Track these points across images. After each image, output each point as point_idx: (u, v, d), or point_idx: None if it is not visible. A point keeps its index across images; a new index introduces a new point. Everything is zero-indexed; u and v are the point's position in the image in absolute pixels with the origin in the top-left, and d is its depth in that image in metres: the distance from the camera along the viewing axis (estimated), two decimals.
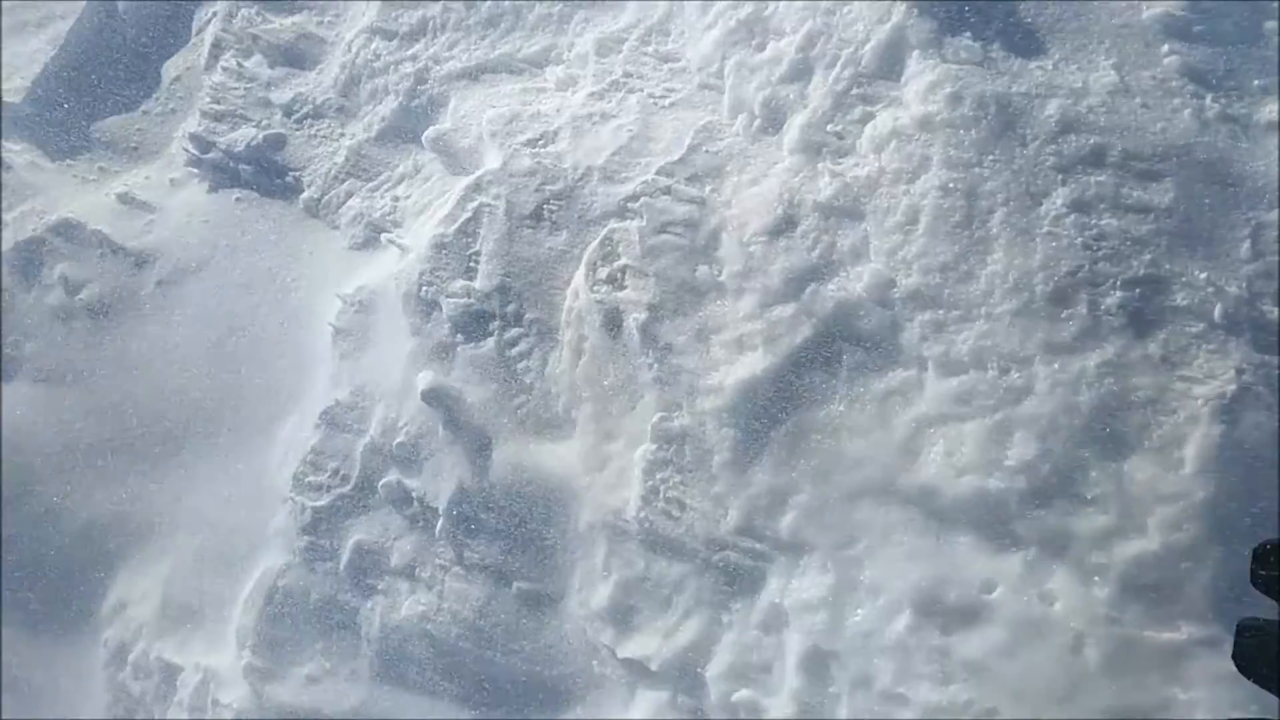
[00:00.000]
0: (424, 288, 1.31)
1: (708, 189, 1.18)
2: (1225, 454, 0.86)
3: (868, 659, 0.93)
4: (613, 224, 1.21)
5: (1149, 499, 0.87)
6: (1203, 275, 0.91)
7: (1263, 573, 0.59)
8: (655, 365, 1.12)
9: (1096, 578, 0.87)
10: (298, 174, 1.56)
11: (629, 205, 1.22)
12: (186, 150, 1.63)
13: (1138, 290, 0.93)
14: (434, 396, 1.25)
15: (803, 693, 0.94)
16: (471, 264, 1.30)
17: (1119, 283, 0.93)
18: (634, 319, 1.15)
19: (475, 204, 1.31)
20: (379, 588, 1.26)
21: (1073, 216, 0.95)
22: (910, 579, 0.94)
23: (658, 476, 1.08)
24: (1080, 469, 0.90)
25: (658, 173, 1.21)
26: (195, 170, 1.63)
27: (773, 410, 1.03)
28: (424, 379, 1.26)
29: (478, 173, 1.32)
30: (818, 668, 0.94)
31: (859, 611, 0.95)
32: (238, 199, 1.59)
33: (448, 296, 1.29)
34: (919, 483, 0.96)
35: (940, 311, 0.99)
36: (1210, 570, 0.83)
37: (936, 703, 0.88)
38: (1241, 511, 0.84)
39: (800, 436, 1.02)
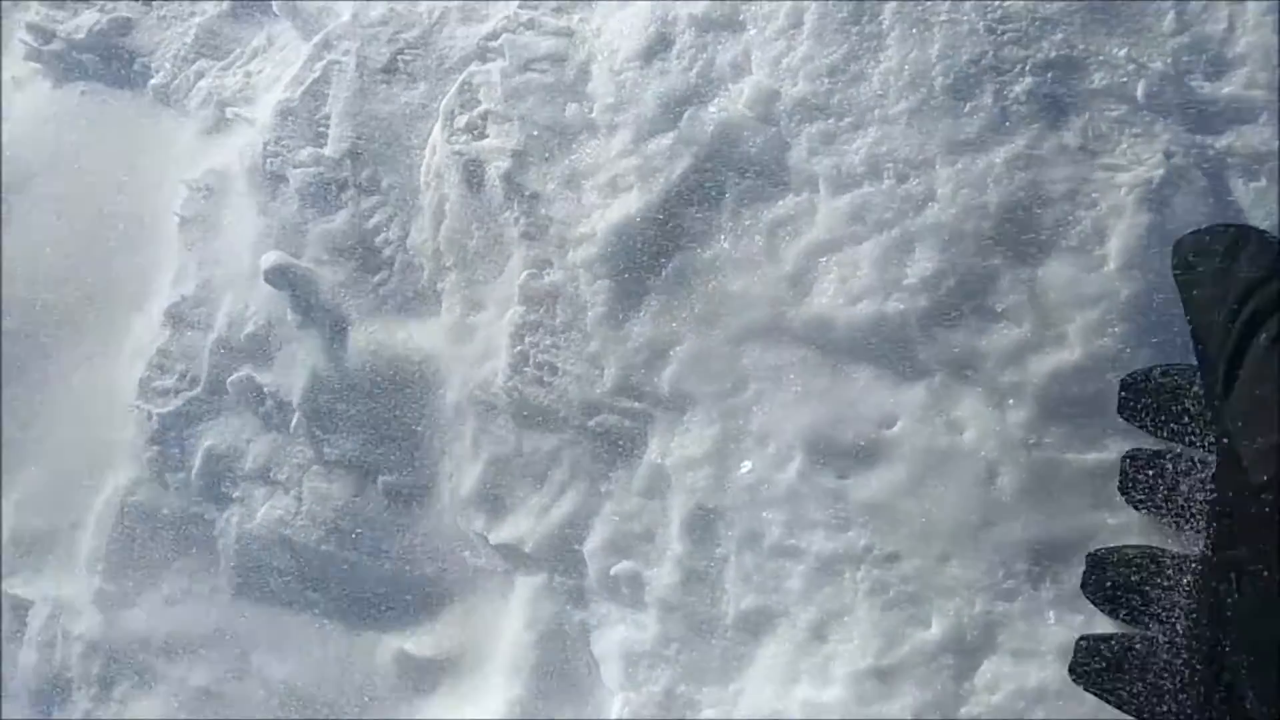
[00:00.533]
0: (269, 160, 1.16)
1: (575, 18, 1.04)
2: (1153, 245, 0.73)
3: (756, 513, 0.80)
4: (472, 67, 1.07)
5: (1068, 304, 0.75)
6: (1122, 52, 0.79)
7: (1131, 402, 0.62)
8: (522, 219, 0.99)
9: (1011, 399, 0.75)
10: (146, 60, 1.41)
11: (489, 45, 1.08)
12: (24, 43, 1.47)
13: (1049, 74, 0.80)
14: (279, 277, 1.10)
15: (686, 558, 0.82)
16: (321, 129, 1.16)
17: (1028, 67, 0.80)
18: (496, 169, 1.01)
19: (324, 63, 1.17)
20: (235, 495, 1.12)
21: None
22: (802, 422, 0.81)
23: (527, 341, 0.95)
24: (989, 279, 0.78)
25: (520, 5, 1.07)
26: (36, 65, 1.48)
27: (651, 255, 0.90)
28: (268, 259, 1.11)
29: (326, 29, 1.18)
30: (702, 529, 0.81)
31: (746, 463, 0.83)
32: (83, 92, 1.44)
33: (295, 167, 1.15)
34: (811, 316, 0.83)
35: (830, 121, 0.86)
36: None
37: (832, 551, 0.76)
38: (1173, 305, 0.72)
39: (681, 281, 0.89)
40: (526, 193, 0.96)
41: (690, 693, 0.76)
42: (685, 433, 0.82)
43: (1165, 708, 0.56)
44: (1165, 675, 0.56)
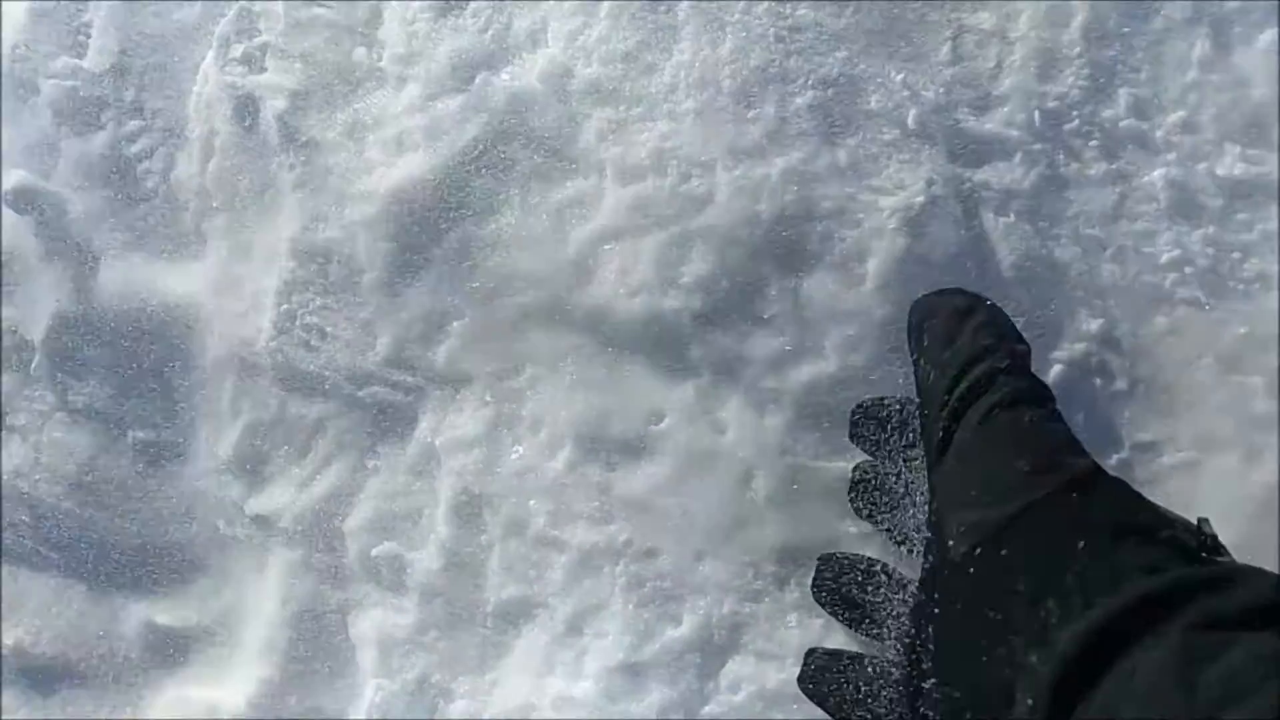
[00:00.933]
0: (18, 64, 1.03)
1: None
2: (909, 269, 0.78)
3: (523, 501, 0.81)
4: None
5: (827, 318, 0.79)
6: (899, 77, 0.82)
7: (860, 428, 0.65)
8: (298, 166, 0.92)
9: (771, 404, 0.79)
10: None
11: None
12: None
13: (830, 91, 0.82)
14: (23, 199, 0.99)
15: (451, 542, 0.82)
16: (81, 39, 1.03)
17: (810, 81, 0.82)
18: (272, 108, 0.94)
19: None
20: None
21: (766, 4, 0.83)
22: (575, 411, 0.82)
23: (295, 299, 0.90)
24: (759, 286, 0.80)
25: None
26: None
27: (434, 221, 0.87)
28: (11, 178, 0.99)
29: None
30: (469, 513, 0.81)
31: (518, 449, 0.83)
32: None
33: (48, 77, 1.02)
34: (591, 304, 0.83)
35: (621, 108, 0.85)
36: (887, 392, 0.76)
37: (593, 544, 0.78)
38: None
39: (464, 253, 0.86)
40: (304, 138, 0.90)
41: (445, 681, 0.76)
42: (458, 412, 0.81)
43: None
44: (882, 689, 0.62)
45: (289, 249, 0.86)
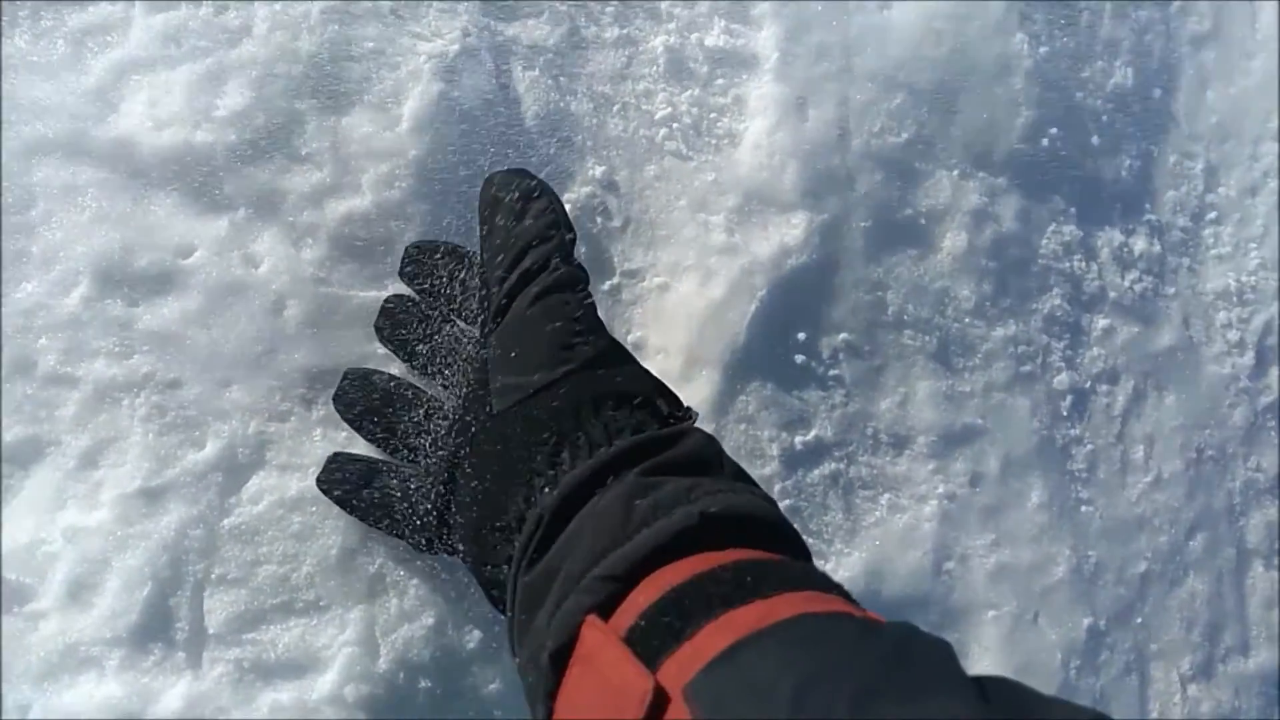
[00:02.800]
0: None
1: None
2: (442, 112, 0.82)
3: (31, 340, 0.76)
4: None
5: (364, 155, 0.81)
6: None
7: (410, 267, 0.71)
8: None
9: (308, 238, 0.80)
10: None
11: None
12: None
13: None
14: None
15: None
16: None
17: None
18: None
19: None
20: None
21: None
22: (93, 246, 0.77)
23: None
24: (297, 122, 0.81)
25: None
26: None
27: None
28: None
29: None
30: None
31: (26, 286, 0.77)
32: None
33: None
34: (114, 136, 0.79)
35: None
36: (417, 229, 0.81)
37: (111, 378, 0.75)
38: (450, 170, 0.82)
39: None
40: None
41: None
42: None
43: (397, 521, 0.66)
44: (398, 497, 0.66)
45: None
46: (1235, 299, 1.19)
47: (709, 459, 0.43)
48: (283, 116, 0.79)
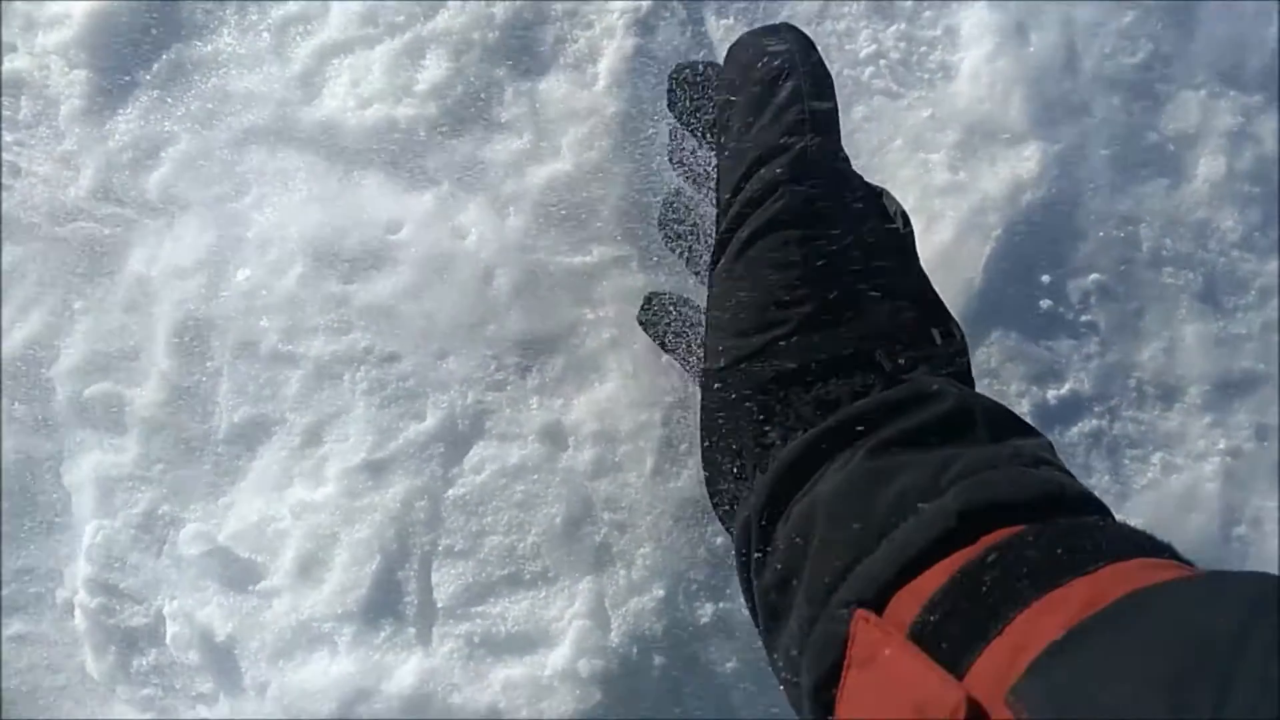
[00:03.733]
0: None
1: None
2: (637, 67, 0.79)
3: (252, 321, 0.76)
4: None
5: (562, 118, 0.78)
6: None
7: (675, 93, 0.58)
8: None
9: (510, 207, 0.77)
10: None
11: None
12: None
13: None
14: None
15: (174, 374, 0.75)
16: None
17: None
18: None
19: None
20: None
21: None
22: (307, 227, 0.77)
23: None
24: (495, 89, 0.79)
25: None
26: None
27: (141, 45, 0.80)
28: None
29: None
30: (194, 342, 0.75)
31: (243, 271, 0.77)
32: None
33: None
34: (320, 119, 0.79)
35: None
36: (619, 188, 0.77)
37: (333, 354, 0.74)
38: (649, 125, 0.78)
39: (177, 77, 0.80)
40: None
41: (174, 511, 0.70)
42: (176, 240, 0.75)
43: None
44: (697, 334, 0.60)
45: None
46: None
47: (955, 418, 0.35)
48: (481, 84, 0.77)
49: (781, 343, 0.40)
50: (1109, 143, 0.86)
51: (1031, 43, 0.85)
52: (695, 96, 0.57)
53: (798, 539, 0.33)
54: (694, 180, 0.63)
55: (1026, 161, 0.82)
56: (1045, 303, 0.81)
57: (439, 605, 0.66)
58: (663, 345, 0.62)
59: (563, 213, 0.74)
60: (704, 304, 0.50)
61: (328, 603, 0.65)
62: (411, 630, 0.66)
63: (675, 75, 0.60)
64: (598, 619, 0.66)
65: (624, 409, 0.71)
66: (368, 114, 0.76)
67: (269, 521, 0.68)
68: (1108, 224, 0.85)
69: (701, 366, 0.48)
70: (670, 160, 0.65)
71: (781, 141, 0.43)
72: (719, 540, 0.70)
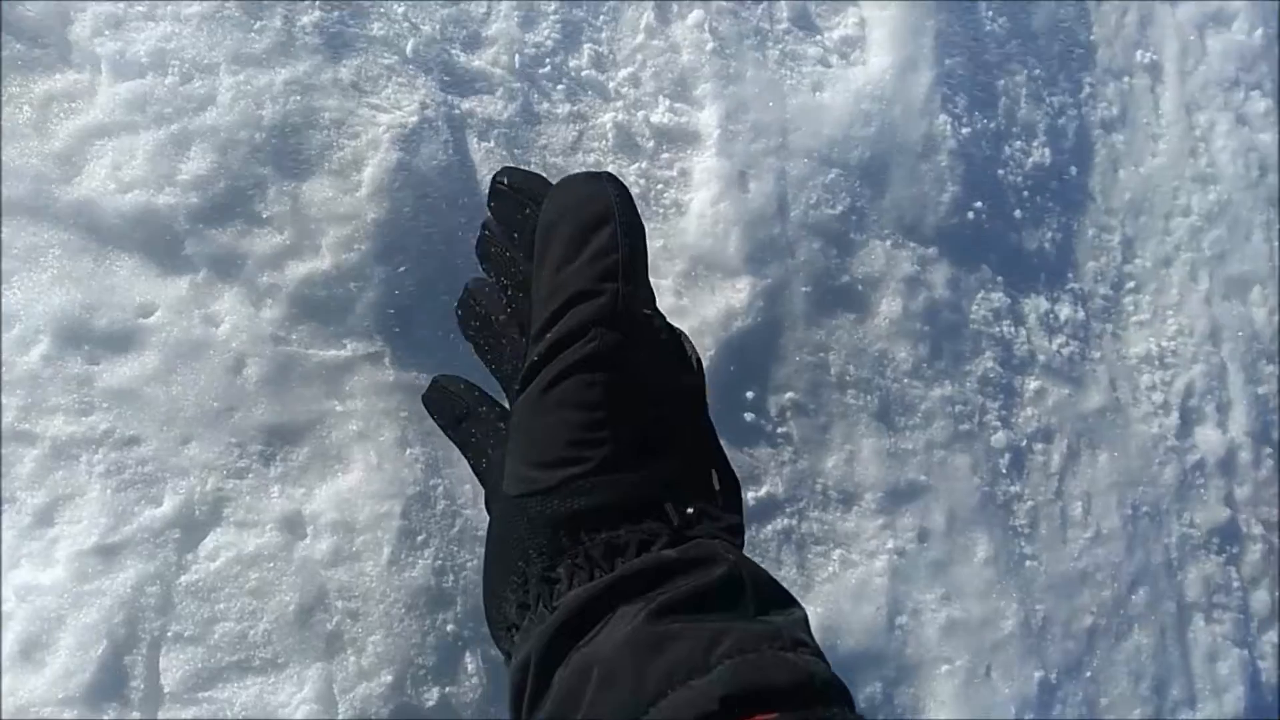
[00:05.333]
0: None
1: None
2: (400, 180, 0.86)
3: None
4: None
5: (324, 220, 0.84)
6: (400, 10, 0.91)
7: (492, 203, 0.55)
8: None
9: (268, 299, 0.82)
10: None
11: None
12: None
13: (335, 14, 0.88)
14: None
15: None
16: None
17: (317, 3, 0.88)
18: None
19: None
20: None
21: None
22: (55, 305, 0.78)
23: None
24: (258, 187, 0.83)
25: None
26: None
27: None
28: None
29: None
30: None
31: None
32: None
33: None
34: (77, 198, 0.80)
35: (120, 4, 0.84)
36: (377, 289, 0.83)
37: (70, 434, 0.75)
38: (407, 235, 0.85)
39: None
40: None
41: None
42: None
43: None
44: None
45: None
46: (1157, 362, 1.25)
47: (728, 587, 0.38)
48: (245, 181, 0.82)
49: (579, 481, 0.41)
50: (808, 281, 1.01)
51: (750, 190, 0.99)
52: (514, 209, 0.58)
53: (574, 688, 0.35)
54: (497, 277, 0.64)
55: (739, 293, 0.95)
56: (749, 415, 0.94)
57: (165, 690, 0.69)
58: (452, 422, 0.61)
59: (318, 308, 0.79)
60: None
61: (49, 686, 0.66)
62: (136, 715, 0.68)
63: (499, 178, 0.53)
64: (325, 704, 0.71)
65: (365, 499, 0.77)
66: (127, 198, 0.79)
67: None
68: (803, 350, 1.00)
69: (493, 481, 0.47)
70: (477, 252, 0.66)
71: (596, 287, 0.43)
72: (450, 628, 0.77)
